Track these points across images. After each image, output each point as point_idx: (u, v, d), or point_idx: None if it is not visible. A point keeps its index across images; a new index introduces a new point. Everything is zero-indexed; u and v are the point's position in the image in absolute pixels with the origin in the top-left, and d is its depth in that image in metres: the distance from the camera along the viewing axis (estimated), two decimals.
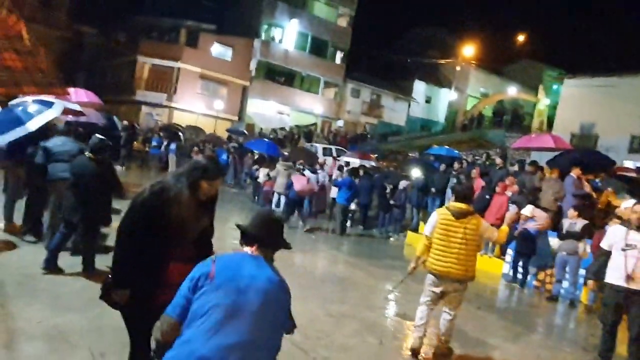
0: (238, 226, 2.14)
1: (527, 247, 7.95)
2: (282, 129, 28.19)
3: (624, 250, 4.34)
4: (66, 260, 5.24)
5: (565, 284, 7.44)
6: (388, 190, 11.61)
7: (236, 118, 29.26)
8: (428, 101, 37.89)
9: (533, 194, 9.36)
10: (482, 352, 4.81)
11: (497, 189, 9.29)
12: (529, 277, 8.18)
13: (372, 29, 53.99)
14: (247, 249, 2.07)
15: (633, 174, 11.82)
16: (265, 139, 19.25)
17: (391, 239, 11.24)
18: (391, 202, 11.51)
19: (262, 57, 29.66)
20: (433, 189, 11.22)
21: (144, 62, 27.44)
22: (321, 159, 17.53)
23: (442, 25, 39.38)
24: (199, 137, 20.97)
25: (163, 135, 18.73)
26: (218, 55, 28.55)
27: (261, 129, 28.37)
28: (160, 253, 2.44)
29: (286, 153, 16.50)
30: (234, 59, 28.90)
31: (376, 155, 20.63)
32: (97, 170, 5.04)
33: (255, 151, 16.30)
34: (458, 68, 34.47)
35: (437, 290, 4.26)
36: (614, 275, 4.41)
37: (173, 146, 16.42)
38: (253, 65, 29.53)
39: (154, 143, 18.42)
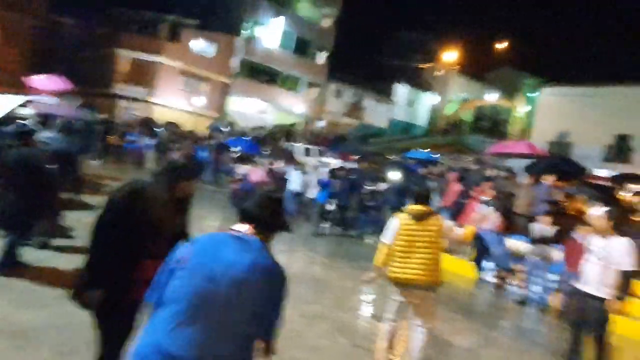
0: (238, 207, 2.02)
1: (479, 245, 8.21)
2: (263, 127, 28.08)
3: (587, 255, 4.46)
4: (32, 255, 5.10)
5: (535, 287, 7.57)
6: (367, 192, 11.66)
7: (217, 115, 29.01)
8: (410, 104, 38.21)
9: (508, 199, 9.54)
10: (453, 356, 4.86)
11: (473, 194, 9.41)
12: (486, 275, 8.43)
13: (356, 30, 54.16)
14: (242, 228, 1.91)
15: (605, 183, 12.12)
16: (246, 137, 19.13)
17: (368, 240, 11.28)
18: (369, 203, 11.56)
19: (245, 55, 29.48)
20: (411, 192, 11.31)
21: (124, 55, 26.96)
22: (302, 159, 17.50)
23: (425, 29, 39.80)
24: (179, 134, 20.70)
25: (141, 130, 18.43)
26: (200, 51, 28.26)
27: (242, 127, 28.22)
28: (135, 252, 2.41)
29: (266, 152, 16.43)
30: (216, 55, 28.65)
31: (357, 157, 20.68)
32: (16, 159, 4.74)
33: (236, 149, 16.19)
34: (440, 73, 34.89)
35: (403, 301, 3.97)
36: (576, 279, 4.55)
37: (151, 142, 16.17)
38: (235, 63, 29.33)
39: (130, 138, 18.11)
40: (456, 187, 10.11)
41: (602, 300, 4.30)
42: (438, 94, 36.51)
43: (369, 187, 11.70)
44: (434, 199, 4.24)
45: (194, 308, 1.70)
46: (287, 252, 9.01)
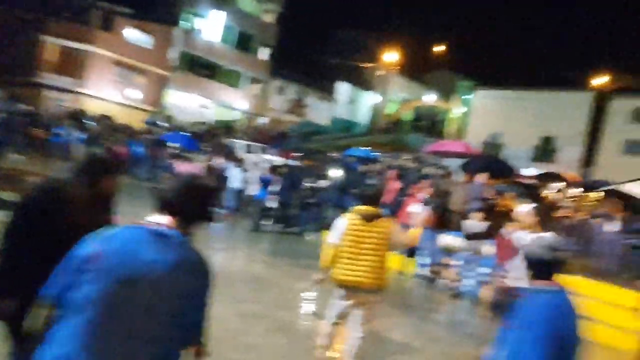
0: (155, 193, 1.74)
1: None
2: (203, 123, 27.33)
3: (515, 251, 4.68)
4: None
5: (468, 281, 7.88)
6: (308, 189, 11.66)
7: (154, 109, 27.86)
8: (352, 103, 38.73)
9: (444, 196, 9.87)
10: (389, 349, 4.92)
11: (411, 191, 9.65)
12: (421, 270, 8.75)
13: (299, 27, 54.14)
14: (162, 220, 1.66)
15: (532, 181, 12.88)
16: (185, 133, 18.50)
17: (309, 237, 11.28)
18: (310, 200, 11.56)
19: (184, 48, 28.52)
20: (352, 190, 11.45)
21: (51, 43, 25.21)
22: (243, 155, 17.19)
23: (367, 29, 40.48)
24: (112, 127, 19.66)
25: (69, 122, 17.29)
26: (136, 42, 27.00)
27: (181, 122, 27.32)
28: (52, 257, 2.18)
29: (206, 148, 15.98)
30: (153, 47, 27.48)
31: (299, 154, 20.65)
32: None
33: (173, 145, 15.60)
34: (381, 72, 35.60)
35: (347, 304, 3.85)
36: (505, 273, 4.76)
37: (80, 135, 15.23)
38: (174, 55, 28.31)
39: (57, 131, 16.95)
40: (395, 185, 10.32)
41: None
42: (379, 93, 37.26)
43: (310, 184, 11.71)
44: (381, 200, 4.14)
45: (108, 316, 1.49)
46: (226, 250, 8.81)
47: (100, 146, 12.58)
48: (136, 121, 24.54)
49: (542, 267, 2.12)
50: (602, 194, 10.00)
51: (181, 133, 17.99)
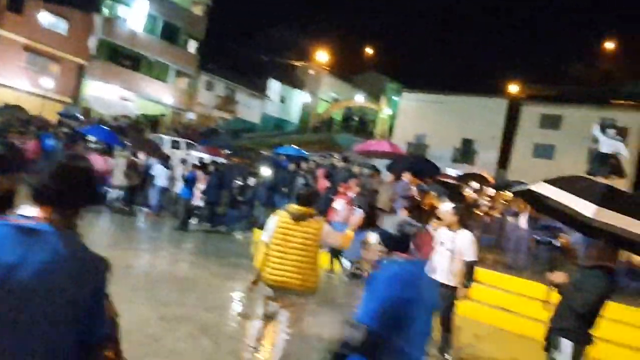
0: (28, 183, 1.44)
1: None
2: (126, 116, 25.89)
3: (436, 247, 4.89)
4: None
5: None
6: (237, 187, 11.44)
7: (70, 100, 25.95)
8: (283, 101, 38.63)
9: (372, 195, 10.09)
10: (317, 347, 4.92)
11: (340, 190, 9.76)
12: (343, 268, 8.94)
13: (230, 21, 53.12)
14: (32, 212, 1.38)
15: (453, 181, 13.58)
16: (105, 126, 17.39)
17: (238, 236, 11.06)
18: (239, 198, 11.35)
19: (104, 36, 26.83)
20: (282, 188, 11.38)
21: None
22: (168, 151, 16.51)
23: (299, 28, 40.55)
24: (20, 119, 18.01)
25: None
26: (50, 27, 24.99)
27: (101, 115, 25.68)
28: None
29: (128, 143, 15.12)
30: (70, 33, 25.58)
31: (229, 152, 20.23)
32: None
33: (92, 139, 14.59)
34: (312, 72, 35.84)
35: (274, 304, 3.78)
36: (426, 268, 4.95)
37: None
38: (93, 43, 26.54)
39: None
40: (324, 184, 10.40)
41: (449, 287, 4.73)
42: (310, 92, 37.50)
43: (239, 182, 11.49)
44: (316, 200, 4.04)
45: None
46: (149, 250, 8.41)
47: (3, 140, 11.49)
48: (50, 112, 22.73)
49: (395, 242, 2.32)
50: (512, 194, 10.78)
51: (100, 126, 16.88)
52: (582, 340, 3.30)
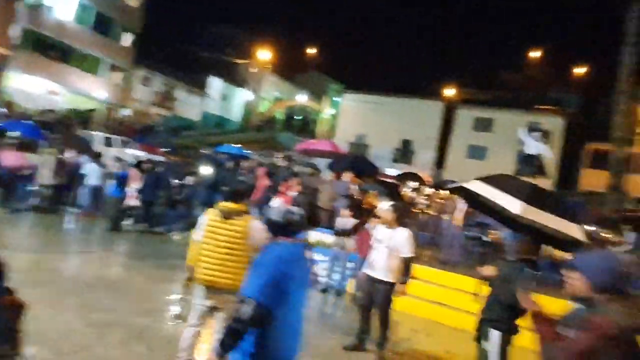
0: None
1: None
2: (53, 111, 24.30)
3: (374, 244, 4.99)
4: None
5: (335, 276, 8.19)
6: (175, 186, 11.07)
7: None
8: (224, 98, 37.92)
9: (313, 194, 10.13)
10: None
11: (281, 189, 9.71)
12: None
13: (168, 15, 51.46)
14: None
15: (391, 180, 13.92)
16: (28, 121, 16.21)
17: (175, 237, 10.70)
18: (177, 198, 10.99)
19: (28, 24, 24.98)
20: (222, 187, 11.15)
21: None
22: (101, 149, 15.68)
23: (240, 25, 39.98)
24: None
25: None
26: None
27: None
28: None
29: (55, 139, 14.20)
30: None
31: (166, 150, 19.57)
32: None
33: (13, 134, 13.55)
34: (254, 70, 35.43)
35: (207, 304, 3.71)
36: (365, 265, 5.03)
37: None
38: (16, 33, 24.65)
39: None
40: (265, 182, 10.32)
41: (387, 283, 4.83)
42: (252, 90, 37.06)
43: (177, 181, 11.13)
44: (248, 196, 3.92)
45: None
46: (79, 253, 7.94)
47: None
48: None
49: (278, 227, 2.66)
50: (448, 192, 11.24)
51: (23, 121, 15.72)
52: (509, 329, 3.49)
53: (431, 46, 62.65)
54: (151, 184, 10.74)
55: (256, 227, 3.62)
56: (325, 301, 7.82)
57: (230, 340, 2.37)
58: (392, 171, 20.43)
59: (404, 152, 30.28)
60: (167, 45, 36.20)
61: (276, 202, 9.10)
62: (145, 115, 31.51)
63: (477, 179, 3.85)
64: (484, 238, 3.80)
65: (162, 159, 15.07)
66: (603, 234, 8.08)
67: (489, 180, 3.70)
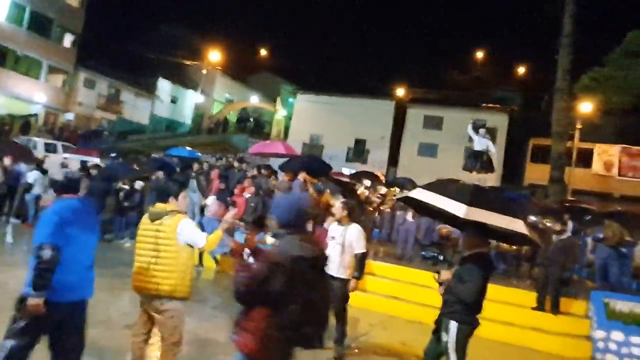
0: None
1: None
2: None
3: (328, 241, 5.02)
4: None
5: None
6: (124, 192, 10.66)
7: None
8: (174, 101, 36.98)
9: (268, 195, 10.06)
10: (213, 352, 4.76)
11: (235, 191, 9.59)
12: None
13: (112, 16, 49.63)
14: None
15: (346, 179, 14.04)
16: None
17: (126, 244, 10.32)
18: (126, 204, 10.60)
19: None
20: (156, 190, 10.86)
21: None
22: (42, 155, 14.87)
23: (189, 25, 39.16)
24: None
25: None
26: None
27: None
28: None
29: None
30: None
31: (114, 155, 18.88)
32: None
33: None
34: (204, 71, 34.73)
35: (141, 310, 3.55)
36: None
37: None
38: None
39: None
40: (217, 185, 10.15)
41: (342, 280, 4.86)
42: (203, 92, 36.32)
43: (126, 187, 10.73)
44: (179, 195, 3.66)
45: None
46: (20, 265, 7.45)
47: None
48: None
49: (62, 186, 3.29)
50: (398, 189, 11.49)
51: None
52: (467, 322, 3.59)
53: (382, 47, 63.82)
54: (97, 190, 10.30)
55: (184, 226, 3.41)
56: None
57: (42, 280, 2.84)
58: (346, 170, 20.61)
59: (358, 152, 30.62)
60: (112, 46, 34.91)
61: (210, 200, 9.07)
62: (89, 120, 30.22)
63: (422, 186, 3.99)
64: (440, 257, 3.93)
65: (109, 163, 14.49)
66: (546, 223, 8.50)
67: (431, 187, 3.84)
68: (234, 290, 2.37)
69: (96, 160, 14.03)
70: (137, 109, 33.50)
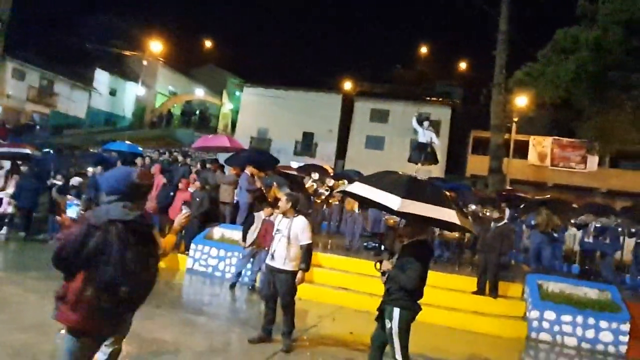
0: None
1: None
2: None
3: (275, 234, 4.98)
4: None
5: (248, 272, 8.05)
6: (58, 188, 10.06)
7: None
8: (113, 93, 35.31)
9: (214, 189, 9.86)
10: (156, 350, 4.60)
11: (180, 186, 9.32)
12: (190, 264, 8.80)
13: (43, 2, 46.61)
14: None
15: (294, 172, 13.99)
16: None
17: None
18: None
19: None
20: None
21: None
22: None
23: (129, 15, 37.49)
24: None
25: None
26: None
27: None
28: None
29: None
30: None
31: (47, 150, 17.75)
32: None
33: None
34: (145, 62, 33.32)
35: None
36: (268, 256, 5.02)
37: None
38: None
39: None
40: (159, 180, 9.80)
41: (288, 272, 4.84)
42: (144, 85, 34.90)
43: (61, 183, 10.14)
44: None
45: None
46: None
47: None
48: None
49: None
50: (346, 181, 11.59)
51: None
52: (409, 307, 3.68)
53: (330, 41, 64.13)
54: (28, 187, 9.68)
55: None
56: (234, 297, 7.66)
57: None
58: (295, 164, 20.56)
59: (306, 145, 30.62)
60: (44, 34, 32.82)
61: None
62: (20, 113, 28.29)
63: (359, 180, 4.06)
64: (382, 247, 4.01)
65: (41, 159, 13.60)
66: (485, 212, 8.88)
67: (368, 180, 3.91)
68: (53, 256, 2.43)
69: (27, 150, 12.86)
70: (73, 101, 31.70)
